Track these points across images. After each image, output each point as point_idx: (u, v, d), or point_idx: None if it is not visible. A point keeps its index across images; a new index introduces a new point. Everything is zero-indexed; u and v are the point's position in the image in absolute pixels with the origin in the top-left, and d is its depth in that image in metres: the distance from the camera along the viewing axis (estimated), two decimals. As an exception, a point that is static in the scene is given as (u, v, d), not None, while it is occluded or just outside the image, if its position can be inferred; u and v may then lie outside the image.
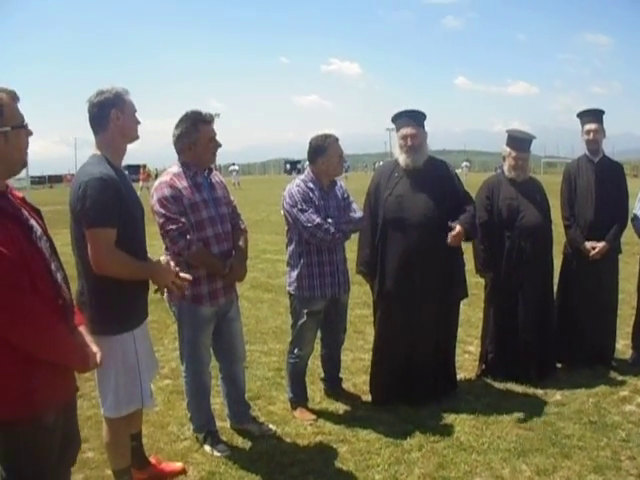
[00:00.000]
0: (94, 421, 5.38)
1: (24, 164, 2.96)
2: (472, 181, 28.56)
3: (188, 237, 4.57)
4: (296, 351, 5.66)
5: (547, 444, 4.94)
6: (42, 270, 2.80)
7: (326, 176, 5.52)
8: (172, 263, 4.11)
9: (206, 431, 5.00)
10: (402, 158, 5.76)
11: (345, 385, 6.21)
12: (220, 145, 4.90)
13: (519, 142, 6.37)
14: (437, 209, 5.61)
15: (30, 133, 2.91)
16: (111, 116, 3.87)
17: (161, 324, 8.22)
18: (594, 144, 6.63)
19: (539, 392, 5.99)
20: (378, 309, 5.89)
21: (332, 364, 6.08)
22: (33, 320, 2.64)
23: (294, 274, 5.50)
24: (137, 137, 4.08)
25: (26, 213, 2.92)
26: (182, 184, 4.68)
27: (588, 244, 6.51)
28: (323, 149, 5.45)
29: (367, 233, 5.81)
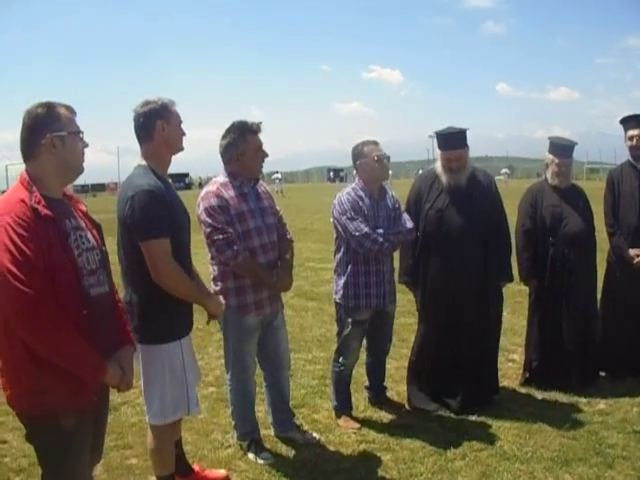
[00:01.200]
0: (138, 427, 5.50)
1: (80, 171, 3.12)
2: (514, 187, 28.27)
3: (235, 247, 4.63)
4: (341, 359, 5.69)
5: (591, 453, 4.91)
6: (69, 278, 2.90)
7: (368, 180, 5.51)
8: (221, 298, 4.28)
9: (250, 439, 5.06)
10: (445, 178, 5.80)
11: (389, 393, 6.24)
12: (267, 155, 4.94)
13: (561, 148, 6.36)
14: (477, 225, 5.69)
15: (86, 144, 3.08)
16: (157, 127, 3.93)
17: (205, 332, 8.30)
18: (637, 150, 6.56)
19: (582, 401, 5.95)
20: (420, 318, 5.99)
21: (377, 373, 6.11)
22: (41, 319, 2.73)
23: (341, 282, 5.53)
24: (182, 148, 4.13)
25: (82, 224, 3.09)
26: (229, 194, 4.73)
27: (632, 251, 6.43)
28: (361, 153, 5.50)
29: (408, 244, 5.83)
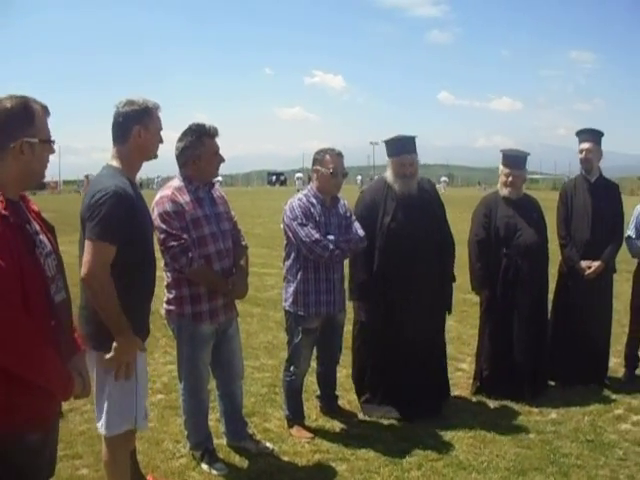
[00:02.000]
0: (87, 436, 5.31)
1: (41, 178, 2.93)
2: (452, 196, 28.69)
3: (190, 254, 4.51)
4: (292, 369, 5.60)
5: (546, 463, 4.94)
6: (39, 287, 2.72)
7: (320, 189, 5.46)
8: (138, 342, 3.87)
9: (203, 449, 4.94)
10: (398, 185, 5.81)
11: (340, 402, 6.18)
12: (224, 160, 4.86)
13: (512, 159, 6.44)
14: (433, 233, 5.80)
15: (52, 151, 2.89)
16: (133, 132, 3.82)
17: (151, 337, 8.02)
18: (587, 163, 6.72)
19: (535, 410, 6.00)
20: (373, 328, 5.91)
21: (328, 382, 6.03)
22: (17, 337, 2.55)
23: (290, 290, 5.46)
24: (156, 156, 4.02)
25: (37, 227, 2.87)
26: (184, 199, 4.62)
27: (584, 263, 6.56)
28: (321, 161, 5.45)
29: (361, 258, 5.77)
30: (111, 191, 3.60)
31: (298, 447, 5.26)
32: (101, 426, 3.92)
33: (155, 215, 4.56)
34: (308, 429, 5.59)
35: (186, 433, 5.07)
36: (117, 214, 3.60)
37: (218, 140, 4.81)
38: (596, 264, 6.52)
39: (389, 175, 5.90)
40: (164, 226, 4.53)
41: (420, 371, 5.83)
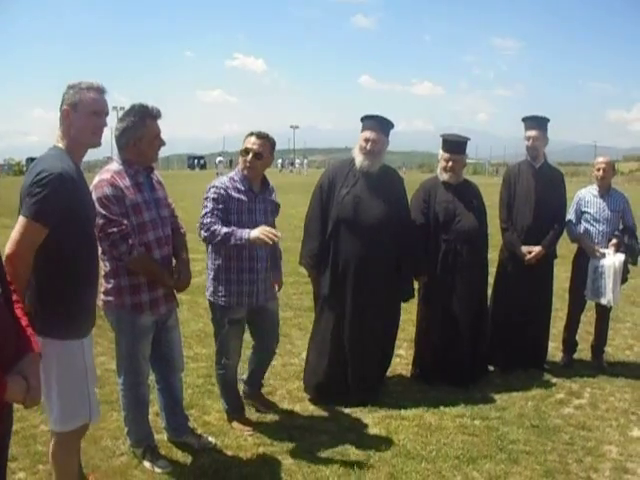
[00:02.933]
0: (21, 436, 4.99)
1: None
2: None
3: (130, 241, 4.28)
4: (223, 361, 5.41)
5: (495, 450, 4.94)
6: None
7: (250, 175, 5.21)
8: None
9: (145, 446, 4.73)
10: (359, 159, 5.83)
11: (280, 392, 6.09)
12: (164, 143, 4.61)
13: (449, 144, 6.41)
14: (390, 213, 5.77)
15: None
16: (63, 113, 3.65)
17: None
18: (533, 150, 6.78)
19: (477, 396, 6.00)
20: (324, 304, 5.89)
21: (257, 369, 5.81)
22: None
23: (210, 278, 5.30)
24: (94, 143, 3.77)
25: None
26: (124, 183, 4.36)
27: (524, 248, 6.61)
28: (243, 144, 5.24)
29: (316, 227, 5.82)
30: (57, 173, 3.44)
31: (241, 441, 5.09)
32: (54, 422, 3.71)
33: (93, 199, 4.22)
34: (249, 421, 5.44)
35: (126, 430, 4.83)
36: (58, 196, 3.43)
37: (160, 122, 4.56)
38: (537, 249, 6.58)
39: (355, 151, 5.93)
40: (103, 211, 4.24)
41: (360, 353, 5.79)
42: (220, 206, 5.05)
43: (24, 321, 2.91)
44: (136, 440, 4.77)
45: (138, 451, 4.75)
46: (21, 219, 3.44)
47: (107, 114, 3.75)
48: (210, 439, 5.07)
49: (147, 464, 4.66)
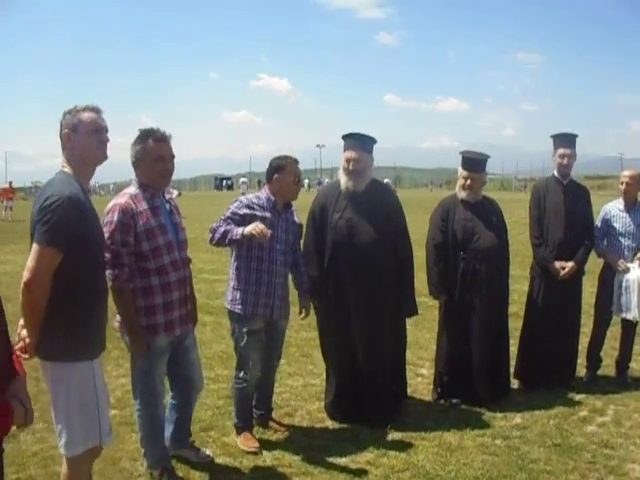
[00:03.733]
0: (40, 457, 5.03)
1: None
2: (400, 198, 28.73)
3: (116, 271, 4.32)
4: (242, 375, 5.44)
5: (515, 469, 4.87)
6: None
7: (279, 195, 5.41)
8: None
9: (162, 467, 4.74)
10: (343, 180, 5.82)
11: (299, 412, 6.06)
12: (170, 167, 4.67)
13: (469, 162, 6.36)
14: (385, 230, 5.74)
15: None
16: (64, 137, 3.71)
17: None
18: (567, 169, 6.75)
19: (498, 415, 5.93)
20: (328, 329, 5.89)
21: (264, 390, 5.80)
22: None
23: (230, 287, 5.42)
24: (101, 157, 3.82)
25: None
26: (139, 207, 4.45)
27: (557, 264, 6.56)
28: (282, 168, 5.39)
29: (313, 255, 5.82)
30: (65, 197, 3.49)
31: (259, 461, 5.08)
32: (63, 446, 3.70)
33: (104, 222, 4.36)
34: (254, 438, 5.43)
35: (143, 451, 4.86)
36: (68, 220, 3.48)
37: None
38: (570, 265, 6.54)
39: (340, 172, 5.91)
40: (106, 236, 4.28)
41: (371, 376, 5.74)
42: (236, 217, 5.24)
43: (11, 346, 2.94)
44: (153, 462, 4.79)
45: (155, 473, 4.76)
46: (35, 246, 3.49)
47: (107, 130, 3.82)
48: (208, 452, 5.15)
49: None
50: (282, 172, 5.38)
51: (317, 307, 5.93)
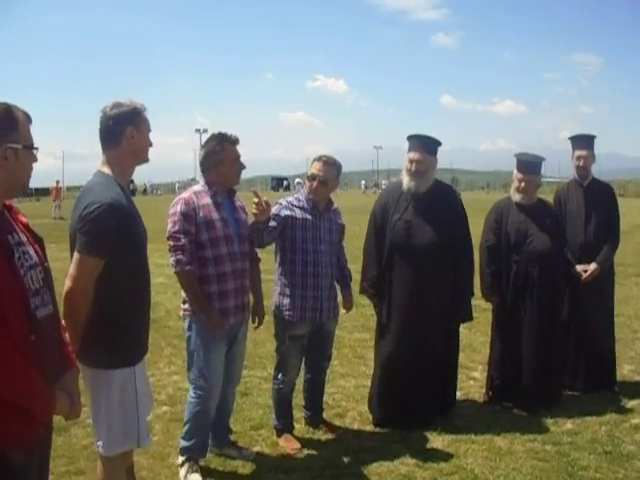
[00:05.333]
0: (90, 451, 5.12)
1: (25, 187, 2.84)
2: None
3: (179, 256, 4.63)
4: (280, 376, 5.52)
5: (564, 476, 4.81)
6: (15, 300, 2.58)
7: (313, 194, 5.42)
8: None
9: (188, 456, 4.84)
10: (405, 181, 5.84)
11: (350, 414, 6.08)
12: (244, 167, 5.02)
13: (524, 165, 6.32)
14: (443, 235, 5.70)
15: (35, 159, 2.79)
16: (126, 133, 3.64)
17: (155, 347, 7.92)
18: (583, 170, 6.71)
19: (549, 420, 5.86)
20: (383, 330, 5.87)
21: (314, 392, 5.86)
22: None
23: (276, 292, 5.47)
24: (147, 159, 3.85)
25: (23, 239, 2.76)
26: (201, 201, 4.76)
27: (579, 267, 6.50)
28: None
29: (373, 254, 5.86)
30: (106, 204, 3.45)
31: (310, 463, 5.12)
32: (101, 445, 3.72)
33: (169, 213, 4.77)
34: (296, 439, 5.49)
35: (183, 434, 4.96)
36: (109, 228, 3.45)
37: (239, 148, 4.98)
38: (592, 267, 6.46)
39: (403, 173, 5.93)
40: (169, 226, 4.71)
41: (423, 379, 5.75)
42: (277, 219, 5.24)
43: (65, 338, 3.03)
44: (185, 447, 4.88)
45: (181, 459, 4.87)
46: (76, 255, 3.47)
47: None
48: (252, 450, 5.25)
49: (181, 473, 4.78)
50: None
51: (377, 307, 5.98)
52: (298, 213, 5.35)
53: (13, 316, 2.54)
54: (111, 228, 3.45)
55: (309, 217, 5.36)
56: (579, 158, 6.65)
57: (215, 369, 4.81)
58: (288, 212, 5.33)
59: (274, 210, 5.26)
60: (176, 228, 4.66)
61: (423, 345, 5.70)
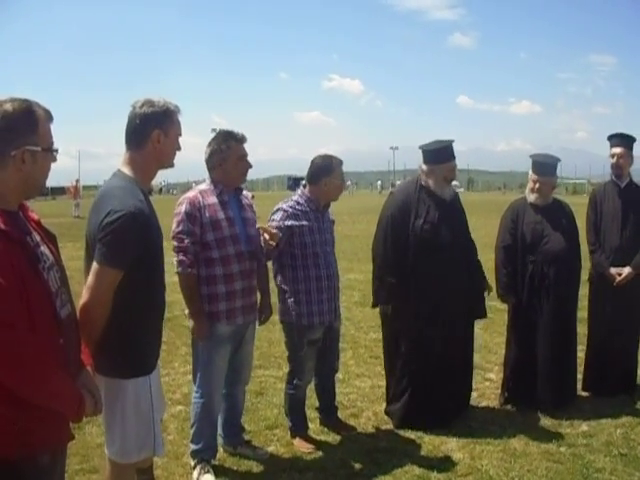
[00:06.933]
0: (104, 449, 5.16)
1: (42, 189, 2.82)
2: (473, 201, 28.17)
3: (181, 257, 4.63)
4: (295, 381, 5.49)
5: (579, 478, 4.80)
6: (44, 305, 2.57)
7: (325, 197, 5.49)
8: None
9: (200, 459, 4.86)
10: (446, 190, 5.88)
11: (366, 414, 6.09)
12: (250, 166, 4.97)
13: (539, 166, 6.30)
14: (464, 235, 5.90)
15: (54, 159, 2.74)
16: (152, 136, 3.48)
17: (170, 345, 8.00)
18: (618, 169, 6.60)
19: (564, 422, 5.83)
20: (412, 331, 5.74)
21: (327, 393, 5.87)
22: (23, 359, 2.42)
23: (291, 301, 5.31)
24: (172, 165, 3.69)
25: (38, 238, 2.72)
26: (207, 201, 4.73)
27: (613, 270, 6.41)
28: (331, 170, 5.43)
29: (390, 260, 5.74)
30: (129, 212, 3.28)
31: (324, 463, 5.12)
32: (114, 453, 3.65)
33: (174, 213, 4.76)
34: (310, 439, 5.52)
35: (191, 437, 4.99)
36: (131, 239, 3.32)
37: (245, 147, 4.95)
38: (626, 270, 6.37)
39: (433, 181, 5.83)
40: (174, 225, 4.71)
41: (446, 380, 5.75)
42: (282, 230, 5.20)
43: (79, 337, 3.02)
44: (195, 450, 4.91)
45: (192, 462, 4.89)
46: (95, 266, 3.31)
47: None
48: (266, 450, 5.26)
49: (194, 475, 4.80)
50: (330, 175, 5.41)
51: (393, 313, 5.84)
52: (303, 219, 5.29)
53: (42, 320, 2.54)
54: (132, 240, 3.32)
55: (314, 221, 5.34)
56: (613, 155, 6.58)
57: (217, 372, 4.84)
58: (292, 221, 5.24)
59: (277, 218, 5.23)
60: (180, 229, 4.66)
61: (446, 346, 5.70)
